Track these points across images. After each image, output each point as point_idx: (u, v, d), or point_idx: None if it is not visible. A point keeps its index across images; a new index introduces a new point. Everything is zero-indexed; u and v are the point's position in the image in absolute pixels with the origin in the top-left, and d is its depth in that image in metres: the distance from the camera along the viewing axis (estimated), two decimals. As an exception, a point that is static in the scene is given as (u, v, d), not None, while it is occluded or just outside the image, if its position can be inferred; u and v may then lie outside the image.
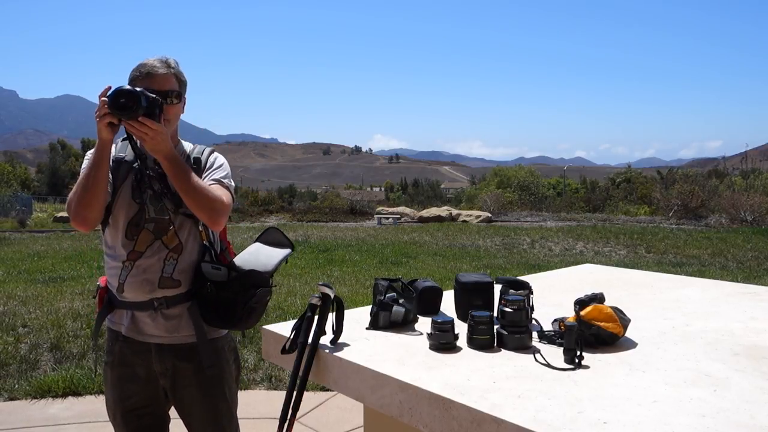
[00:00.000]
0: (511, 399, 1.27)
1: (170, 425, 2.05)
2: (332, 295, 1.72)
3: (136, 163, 1.88)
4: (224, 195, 1.90)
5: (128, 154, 1.90)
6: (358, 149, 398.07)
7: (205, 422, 1.96)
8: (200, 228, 1.91)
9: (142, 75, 1.81)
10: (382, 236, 14.48)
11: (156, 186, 1.86)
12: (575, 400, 1.27)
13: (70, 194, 1.82)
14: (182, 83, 1.91)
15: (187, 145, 2.01)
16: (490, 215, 20.00)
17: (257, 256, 1.96)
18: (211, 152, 2.02)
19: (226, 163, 2.03)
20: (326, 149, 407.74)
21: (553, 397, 1.28)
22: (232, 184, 2.00)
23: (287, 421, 1.62)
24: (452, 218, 19.72)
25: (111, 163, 1.84)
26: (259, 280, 1.89)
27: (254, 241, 2.04)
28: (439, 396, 1.31)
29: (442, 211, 20.76)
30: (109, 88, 1.68)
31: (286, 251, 1.99)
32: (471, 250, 12.00)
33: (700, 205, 19.99)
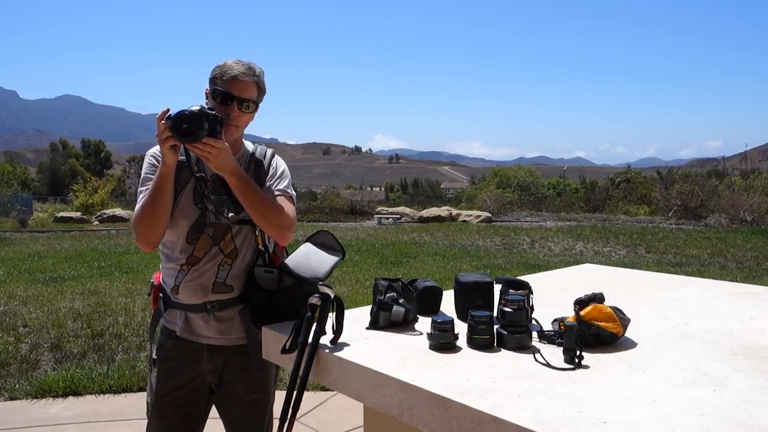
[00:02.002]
0: (511, 399, 1.28)
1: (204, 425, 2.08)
2: (332, 295, 1.72)
3: (198, 169, 1.89)
4: (290, 209, 1.92)
5: (190, 156, 1.90)
6: (358, 149, 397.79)
7: (244, 420, 2.00)
8: (257, 233, 1.93)
9: (227, 78, 1.81)
10: (382, 236, 14.49)
11: (218, 191, 1.87)
12: (575, 399, 1.27)
13: (135, 213, 1.83)
14: (261, 92, 1.90)
15: (249, 146, 2.02)
16: (490, 215, 20.00)
17: (309, 260, 1.93)
18: (273, 155, 2.02)
19: (287, 168, 2.03)
20: (326, 149, 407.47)
21: (553, 397, 1.28)
22: (294, 193, 2.01)
23: (287, 421, 1.62)
24: (452, 218, 19.72)
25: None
26: (311, 290, 1.86)
27: (305, 241, 2.02)
28: (439, 396, 1.31)
29: (442, 211, 20.76)
30: (168, 110, 1.67)
31: (336, 258, 1.96)
32: (471, 250, 12.01)
33: (699, 205, 20.00)
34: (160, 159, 1.79)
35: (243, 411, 2.00)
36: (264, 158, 1.99)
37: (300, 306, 1.86)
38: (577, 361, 1.48)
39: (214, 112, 1.70)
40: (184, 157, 1.90)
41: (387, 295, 1.85)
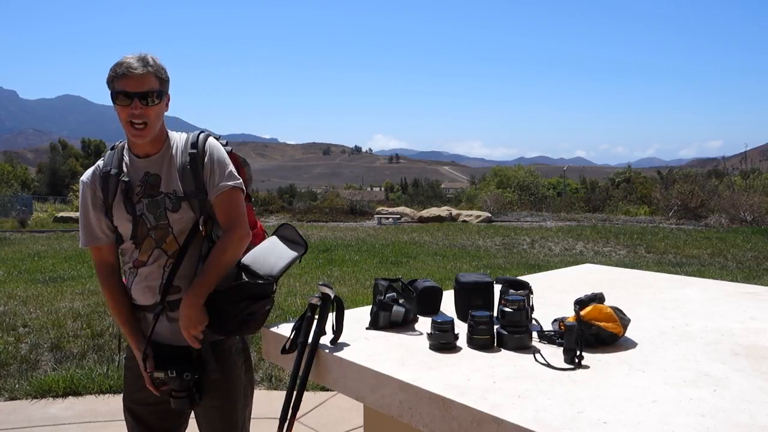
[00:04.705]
0: (511, 399, 1.27)
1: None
2: (332, 295, 1.72)
3: (123, 175, 1.84)
4: (239, 211, 1.86)
5: (114, 165, 1.86)
6: (358, 149, 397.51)
7: (213, 421, 1.97)
8: (201, 227, 1.85)
9: (118, 75, 1.73)
10: (382, 236, 14.48)
11: (151, 193, 1.83)
12: (575, 400, 1.27)
13: (103, 294, 1.94)
14: (162, 81, 1.80)
15: (174, 137, 1.90)
16: (490, 215, 19.99)
17: (267, 256, 1.89)
18: (205, 140, 1.89)
19: (222, 151, 1.89)
20: (326, 149, 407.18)
21: (553, 397, 1.28)
22: (240, 179, 1.88)
23: (287, 421, 1.62)
24: (452, 218, 19.71)
25: (99, 179, 1.88)
26: (256, 291, 1.81)
27: (271, 234, 1.99)
28: (439, 396, 1.31)
29: (442, 211, 20.76)
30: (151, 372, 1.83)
31: (296, 253, 1.92)
32: (471, 250, 12.00)
33: (699, 205, 19.99)
34: (87, 192, 1.88)
35: (208, 417, 1.95)
36: (197, 148, 1.86)
37: (242, 309, 1.79)
38: (577, 361, 1.48)
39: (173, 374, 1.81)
40: (109, 167, 1.86)
41: (387, 295, 1.85)
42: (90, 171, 1.91)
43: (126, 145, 1.90)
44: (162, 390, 1.86)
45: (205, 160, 1.85)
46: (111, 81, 1.76)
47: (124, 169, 1.86)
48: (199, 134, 1.90)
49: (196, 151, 1.85)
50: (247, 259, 1.88)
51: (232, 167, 1.88)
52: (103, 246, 1.90)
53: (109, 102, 1.79)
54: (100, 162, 1.91)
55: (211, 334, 1.86)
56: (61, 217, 20.75)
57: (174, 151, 1.86)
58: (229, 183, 1.85)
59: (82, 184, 1.90)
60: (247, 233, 1.87)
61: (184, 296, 1.78)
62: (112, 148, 1.93)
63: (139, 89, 1.73)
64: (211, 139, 1.90)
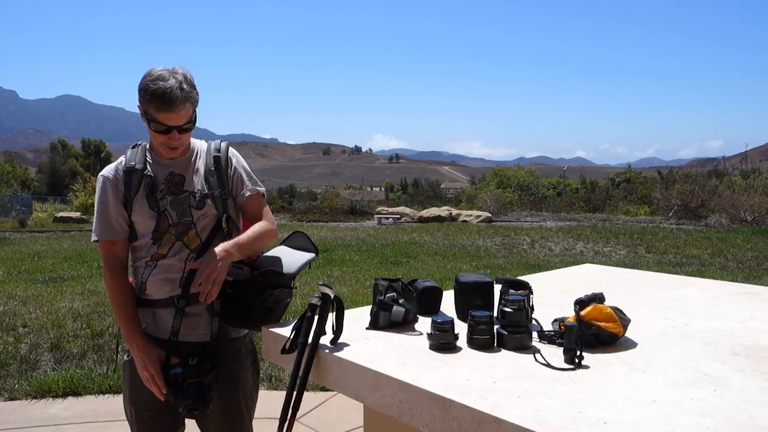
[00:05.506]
0: (511, 399, 1.27)
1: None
2: (332, 295, 1.72)
3: (148, 170, 1.89)
4: (268, 212, 1.98)
5: (138, 161, 1.90)
6: (358, 149, 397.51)
7: (219, 422, 1.97)
8: (223, 225, 1.92)
9: (159, 109, 1.74)
10: (382, 236, 14.48)
11: (175, 191, 1.88)
12: (575, 400, 1.27)
13: (107, 289, 1.93)
14: (195, 103, 1.84)
15: (197, 143, 1.99)
16: (490, 215, 20.00)
17: (282, 257, 1.97)
18: (227, 149, 2.01)
19: (243, 160, 2.04)
20: (326, 149, 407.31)
21: (553, 397, 1.28)
22: (263, 186, 2.04)
23: (287, 421, 1.62)
24: (452, 218, 19.72)
25: (122, 174, 1.89)
26: (278, 281, 1.90)
27: (279, 244, 2.06)
28: (439, 396, 1.31)
29: (442, 211, 20.76)
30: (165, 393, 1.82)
31: (310, 255, 2.01)
32: (471, 250, 12.00)
33: (700, 205, 20.00)
34: (108, 186, 1.88)
35: (215, 415, 1.95)
36: (220, 152, 1.98)
37: (268, 297, 1.87)
38: (577, 361, 1.47)
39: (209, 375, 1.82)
40: (134, 162, 1.89)
41: (387, 295, 1.85)
42: (112, 166, 1.94)
43: (148, 146, 1.95)
44: (171, 390, 1.83)
45: (231, 164, 1.97)
46: (148, 108, 1.76)
47: (148, 166, 1.90)
48: (221, 142, 2.03)
49: (220, 155, 1.97)
50: (261, 261, 1.94)
51: (255, 177, 2.02)
52: (117, 240, 1.91)
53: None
54: (122, 158, 1.94)
55: (230, 330, 1.91)
56: (61, 217, 20.75)
57: (198, 155, 1.96)
58: (258, 188, 1.99)
59: (102, 179, 1.92)
60: (276, 230, 1.98)
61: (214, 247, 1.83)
62: (133, 147, 1.97)
63: (178, 123, 1.79)
64: (232, 148, 2.03)
